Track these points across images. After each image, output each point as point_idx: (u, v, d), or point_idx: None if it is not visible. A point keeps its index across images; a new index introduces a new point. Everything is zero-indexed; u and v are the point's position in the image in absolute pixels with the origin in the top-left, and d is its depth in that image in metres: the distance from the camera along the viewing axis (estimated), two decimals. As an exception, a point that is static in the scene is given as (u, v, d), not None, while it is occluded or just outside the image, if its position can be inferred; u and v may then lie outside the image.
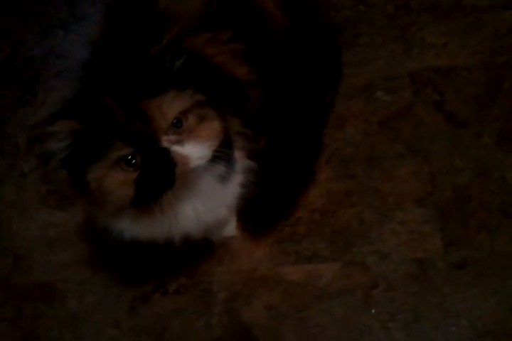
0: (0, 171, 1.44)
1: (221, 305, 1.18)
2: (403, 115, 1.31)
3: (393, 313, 1.11)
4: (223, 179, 0.88)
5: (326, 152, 1.30)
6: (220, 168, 0.85)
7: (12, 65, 1.62)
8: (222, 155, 0.82)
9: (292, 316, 1.14)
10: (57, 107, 0.76)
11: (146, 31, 0.90)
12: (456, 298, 1.10)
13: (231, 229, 1.21)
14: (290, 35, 1.09)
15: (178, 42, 0.90)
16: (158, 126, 0.75)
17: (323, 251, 1.20)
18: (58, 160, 0.77)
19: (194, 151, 0.77)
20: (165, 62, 0.78)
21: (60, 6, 1.71)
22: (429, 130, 1.28)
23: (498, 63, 1.33)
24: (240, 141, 0.93)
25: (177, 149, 0.76)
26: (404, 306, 1.11)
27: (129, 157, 0.75)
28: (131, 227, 0.87)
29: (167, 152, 0.75)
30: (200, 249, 1.15)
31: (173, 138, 0.76)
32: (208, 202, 0.90)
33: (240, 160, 0.94)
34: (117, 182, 0.77)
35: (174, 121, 0.77)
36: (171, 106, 0.76)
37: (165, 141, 0.75)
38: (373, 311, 1.12)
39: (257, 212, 1.20)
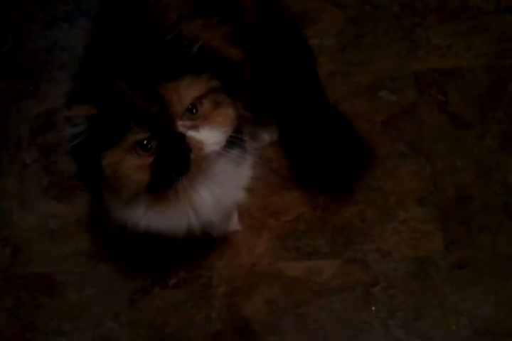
0: (2, 162, 1.43)
1: (221, 300, 1.18)
2: (407, 115, 1.32)
3: (393, 311, 1.12)
4: (237, 163, 0.88)
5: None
6: (234, 153, 0.85)
7: (16, 56, 1.61)
8: (236, 140, 0.83)
9: (292, 311, 1.15)
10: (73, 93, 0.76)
11: (141, 22, 0.89)
12: (456, 297, 1.11)
13: (234, 223, 1.21)
14: (260, 26, 1.09)
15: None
16: (174, 111, 0.75)
17: (323, 247, 1.20)
18: (70, 147, 0.77)
19: (209, 137, 0.77)
20: (182, 47, 0.78)
21: (66, -1, 1.71)
22: (432, 130, 1.29)
23: (503, 66, 1.33)
24: (245, 125, 0.93)
25: (192, 134, 0.76)
26: (405, 304, 1.12)
27: (145, 142, 0.75)
28: (147, 215, 0.87)
29: (183, 137, 0.75)
30: (200, 243, 1.14)
31: (188, 123, 0.76)
32: (225, 185, 0.90)
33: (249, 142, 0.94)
34: (133, 167, 0.77)
35: (189, 106, 0.77)
36: (187, 91, 0.76)
37: (180, 126, 0.76)
38: (373, 308, 1.13)
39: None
